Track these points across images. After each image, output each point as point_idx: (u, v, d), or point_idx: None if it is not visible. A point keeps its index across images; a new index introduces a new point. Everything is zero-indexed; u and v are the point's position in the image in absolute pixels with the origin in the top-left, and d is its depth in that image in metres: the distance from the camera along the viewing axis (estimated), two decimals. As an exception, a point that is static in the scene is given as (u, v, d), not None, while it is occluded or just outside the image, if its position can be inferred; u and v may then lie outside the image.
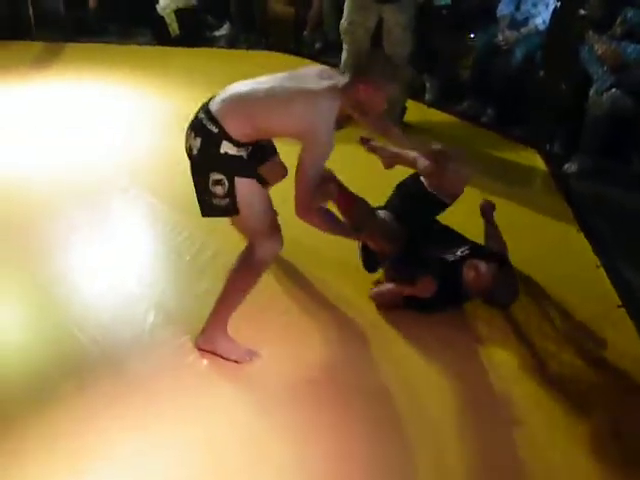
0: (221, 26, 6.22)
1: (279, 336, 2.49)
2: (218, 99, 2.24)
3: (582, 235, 3.24)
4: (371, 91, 2.21)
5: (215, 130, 2.18)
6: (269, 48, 5.79)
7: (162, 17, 5.84)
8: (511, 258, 2.80)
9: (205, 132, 2.20)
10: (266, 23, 5.87)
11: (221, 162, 2.20)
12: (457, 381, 2.33)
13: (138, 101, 4.62)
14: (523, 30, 4.42)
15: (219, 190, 2.21)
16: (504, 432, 2.14)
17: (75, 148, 3.90)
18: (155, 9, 5.85)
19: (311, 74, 2.30)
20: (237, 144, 2.18)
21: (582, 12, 3.82)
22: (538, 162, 4.04)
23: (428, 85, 4.92)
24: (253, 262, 2.29)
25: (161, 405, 2.15)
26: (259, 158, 2.33)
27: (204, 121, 2.20)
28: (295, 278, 2.83)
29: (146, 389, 2.20)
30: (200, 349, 2.37)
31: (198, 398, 2.19)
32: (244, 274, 2.31)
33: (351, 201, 2.67)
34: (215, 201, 2.24)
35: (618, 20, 3.86)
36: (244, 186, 2.22)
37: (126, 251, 2.98)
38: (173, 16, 5.83)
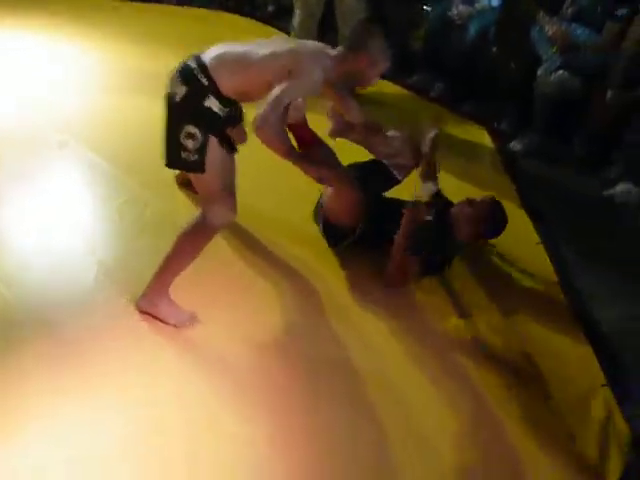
0: (172, -18, 6.02)
1: (228, 301, 2.46)
2: (212, 54, 2.22)
3: (524, 212, 3.30)
4: (369, 64, 2.32)
5: (205, 82, 2.16)
6: (220, 8, 5.66)
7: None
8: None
9: (194, 82, 2.17)
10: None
11: (201, 116, 2.18)
12: (420, 347, 2.37)
13: (80, 56, 4.44)
14: (477, 6, 4.43)
15: (190, 144, 2.18)
16: (473, 398, 2.19)
17: (12, 100, 3.73)
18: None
19: (309, 44, 2.39)
20: (222, 102, 2.18)
21: (534, -9, 3.84)
22: (485, 139, 4.08)
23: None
24: (204, 226, 2.26)
25: (97, 367, 2.10)
26: (230, 122, 2.30)
27: (195, 71, 2.17)
28: (250, 245, 2.79)
29: (82, 350, 2.15)
30: (141, 311, 2.32)
31: (137, 360, 2.15)
32: (193, 237, 2.27)
33: (315, 139, 2.69)
34: (183, 154, 2.20)
35: (568, 1, 3.91)
36: (215, 146, 2.21)
37: (64, 207, 2.87)
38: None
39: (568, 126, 3.84)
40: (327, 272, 2.69)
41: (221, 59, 2.21)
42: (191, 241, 2.27)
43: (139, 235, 2.73)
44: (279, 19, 5.31)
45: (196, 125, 2.17)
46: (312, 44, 2.41)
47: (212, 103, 2.17)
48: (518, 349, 2.43)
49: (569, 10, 3.93)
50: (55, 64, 4.27)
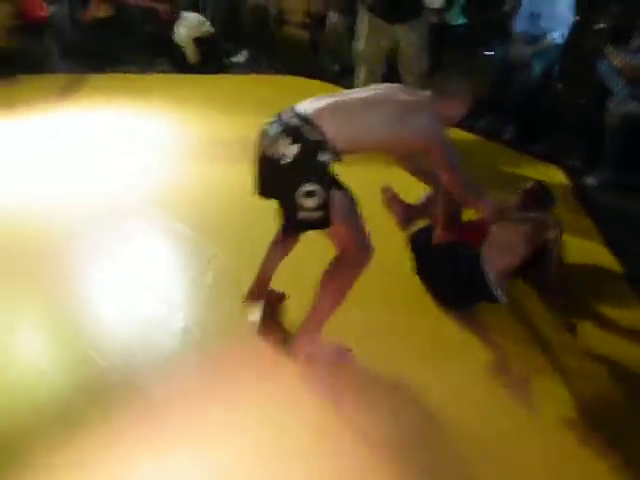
0: (239, 52, 6.31)
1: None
2: (314, 106, 2.17)
3: (606, 249, 3.20)
4: (459, 106, 2.36)
5: (317, 137, 2.09)
6: (287, 72, 5.85)
7: (180, 46, 5.94)
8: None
9: (304, 139, 2.08)
10: (282, 47, 5.94)
11: (319, 171, 2.11)
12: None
13: (160, 128, 4.68)
14: (540, 45, 4.42)
15: (310, 202, 2.10)
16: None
17: (99, 175, 3.94)
18: (172, 38, 5.95)
19: (396, 88, 2.35)
20: (335, 154, 2.12)
21: (600, 26, 3.81)
22: (560, 177, 4.00)
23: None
24: (348, 268, 2.24)
25: (184, 430, 2.14)
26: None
27: (302, 128, 2.10)
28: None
29: (168, 413, 2.19)
30: (297, 354, 2.34)
31: (222, 422, 2.18)
32: (339, 281, 2.25)
33: None
34: (302, 214, 2.12)
35: (636, 33, 3.85)
36: (340, 197, 2.16)
37: (148, 275, 2.99)
38: (192, 45, 5.92)
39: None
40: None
41: (326, 110, 2.15)
42: (338, 286, 2.25)
43: (220, 299, 2.79)
44: (345, 78, 5.43)
45: (315, 182, 2.09)
46: (404, 91, 2.33)
47: (326, 157, 2.10)
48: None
49: (637, 41, 3.87)
50: (141, 140, 4.49)
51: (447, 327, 2.63)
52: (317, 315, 2.31)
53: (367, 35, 4.13)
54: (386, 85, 2.41)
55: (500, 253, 2.63)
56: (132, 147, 4.37)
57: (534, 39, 4.48)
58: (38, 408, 2.21)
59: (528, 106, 4.39)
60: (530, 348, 2.53)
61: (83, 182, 3.84)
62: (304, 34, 5.75)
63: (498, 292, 2.61)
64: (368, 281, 2.35)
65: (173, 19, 6.05)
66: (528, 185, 3.00)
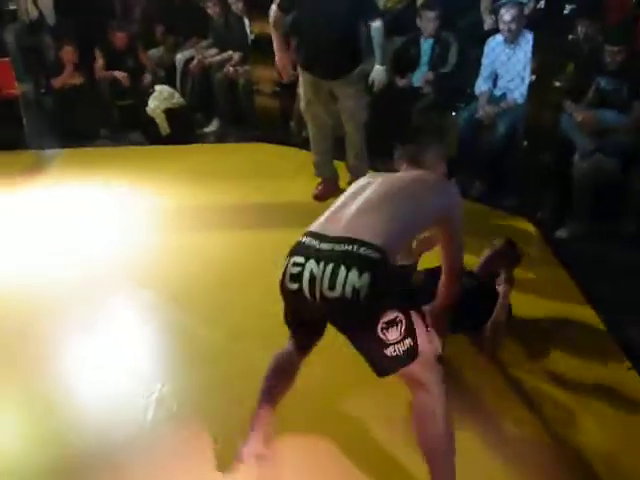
0: (210, 122, 6.40)
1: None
2: (343, 222, 1.88)
3: (582, 298, 3.22)
4: (441, 168, 2.33)
5: (377, 256, 1.77)
6: (257, 140, 5.93)
7: (152, 117, 6.02)
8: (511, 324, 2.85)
9: (369, 263, 1.75)
10: (253, 117, 6.04)
11: (395, 295, 1.81)
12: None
13: (132, 200, 4.68)
14: (502, 104, 4.56)
15: (394, 334, 1.75)
16: None
17: (71, 248, 3.92)
18: (145, 111, 6.03)
19: (417, 174, 2.20)
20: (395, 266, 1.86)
21: (557, 84, 3.94)
22: (531, 230, 4.06)
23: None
24: (434, 404, 1.84)
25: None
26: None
27: (360, 250, 1.76)
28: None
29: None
30: None
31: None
32: (436, 424, 1.83)
33: None
34: (389, 350, 1.75)
35: (592, 88, 3.99)
36: (418, 317, 1.86)
37: (121, 350, 2.93)
38: (163, 116, 6.00)
39: (612, 206, 3.82)
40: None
41: (367, 217, 1.88)
42: (436, 428, 1.83)
43: (197, 369, 2.74)
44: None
45: (394, 307, 1.78)
46: (419, 175, 2.19)
47: (392, 273, 1.82)
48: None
49: (594, 96, 4.01)
50: (113, 212, 4.49)
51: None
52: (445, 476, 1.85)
53: (309, 93, 4.28)
54: (376, 177, 2.18)
55: None
56: (105, 220, 4.36)
57: (496, 99, 4.63)
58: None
59: (495, 164, 4.49)
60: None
61: (56, 257, 3.82)
62: (274, 102, 5.86)
63: None
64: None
65: (137, 88, 6.12)
66: (498, 244, 3.06)
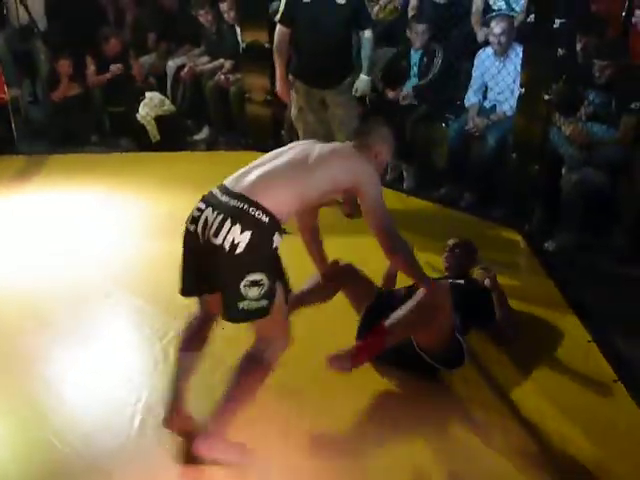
0: (200, 130, 6.39)
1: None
2: (247, 181, 2.09)
3: (570, 310, 3.24)
4: (381, 146, 2.48)
5: (266, 219, 1.99)
6: (248, 148, 5.92)
7: (142, 124, 6.00)
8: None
9: (255, 223, 1.98)
10: (244, 124, 6.04)
11: (268, 260, 2.03)
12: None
13: (122, 207, 4.66)
14: (492, 117, 4.59)
15: (253, 292, 1.99)
16: None
17: (60, 256, 3.88)
18: (135, 118, 6.02)
19: (338, 145, 2.50)
20: (281, 232, 2.04)
21: (546, 97, 3.97)
22: (519, 241, 4.08)
23: (406, 174, 5.04)
24: (263, 361, 2.15)
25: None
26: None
27: (250, 210, 1.99)
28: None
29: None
30: (200, 454, 2.17)
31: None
32: (253, 374, 2.14)
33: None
34: (242, 304, 2.00)
35: (585, 103, 4.03)
36: (280, 287, 2.10)
37: (111, 356, 2.92)
38: (153, 123, 5.99)
39: (601, 219, 3.84)
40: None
41: (266, 182, 2.07)
42: (250, 377, 2.14)
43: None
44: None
45: (262, 271, 1.99)
46: (340, 145, 2.51)
47: (277, 241, 2.03)
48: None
49: (584, 110, 4.04)
50: (102, 219, 4.47)
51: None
52: (224, 415, 2.17)
53: (300, 101, 4.30)
54: (301, 142, 2.49)
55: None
56: (94, 225, 4.34)
57: (485, 111, 4.66)
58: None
59: (485, 175, 4.52)
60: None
61: (45, 262, 3.79)
62: (265, 111, 5.86)
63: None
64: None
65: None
66: (451, 241, 3.21)
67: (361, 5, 4.15)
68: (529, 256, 3.92)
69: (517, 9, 4.91)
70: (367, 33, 4.19)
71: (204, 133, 6.35)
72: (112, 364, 2.85)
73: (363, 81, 4.32)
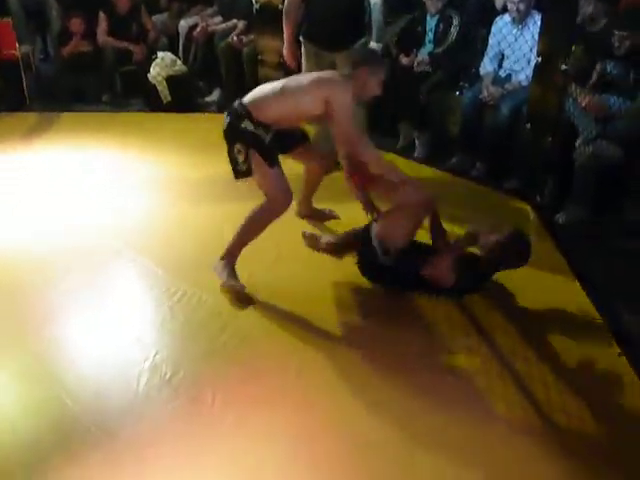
0: (212, 92, 6.35)
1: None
2: (250, 94, 2.98)
3: (577, 284, 3.23)
4: (369, 74, 2.99)
5: (241, 111, 2.91)
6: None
7: (154, 85, 5.96)
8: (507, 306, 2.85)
9: (234, 112, 2.94)
10: (255, 87, 5.99)
11: (242, 135, 2.90)
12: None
13: (132, 167, 4.67)
14: (507, 86, 4.52)
15: (240, 157, 2.92)
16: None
17: (69, 213, 3.92)
18: (147, 77, 5.98)
19: (328, 73, 3.18)
20: (256, 125, 2.88)
21: (564, 67, 3.90)
22: (530, 214, 4.06)
23: (418, 142, 5.00)
24: (265, 210, 2.96)
25: (155, 473, 2.09)
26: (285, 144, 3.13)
27: (236, 106, 2.94)
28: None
29: (139, 456, 2.14)
30: (215, 271, 3.04)
31: (194, 464, 2.12)
32: (260, 214, 2.96)
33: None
34: (238, 166, 2.95)
35: (596, 70, 3.96)
36: (257, 155, 2.90)
37: (120, 314, 2.95)
38: (165, 83, 5.95)
39: (613, 193, 3.81)
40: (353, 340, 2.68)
41: (256, 95, 2.95)
42: (256, 221, 2.97)
43: (192, 338, 2.77)
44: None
45: (241, 142, 2.90)
46: (330, 72, 3.21)
47: (247, 124, 2.88)
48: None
49: (599, 80, 3.97)
50: (113, 178, 4.48)
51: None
52: (237, 241, 3.01)
53: (311, 62, 4.27)
54: (324, 72, 3.24)
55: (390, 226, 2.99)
56: (105, 186, 4.34)
57: (500, 80, 4.59)
58: (3, 452, 2.15)
59: (497, 145, 4.47)
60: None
61: (56, 221, 3.82)
62: (279, 74, 5.80)
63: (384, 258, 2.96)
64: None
65: (146, 60, 6.10)
66: (505, 232, 3.01)
67: None
68: (539, 228, 3.90)
69: (537, -24, 4.81)
70: None
71: (215, 95, 6.31)
72: (121, 324, 2.87)
73: (374, 48, 4.27)
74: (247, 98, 2.96)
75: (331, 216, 3.68)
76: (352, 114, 2.94)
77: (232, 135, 2.94)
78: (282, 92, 2.94)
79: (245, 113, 2.89)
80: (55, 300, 3.03)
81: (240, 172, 2.96)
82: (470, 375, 2.58)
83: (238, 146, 2.90)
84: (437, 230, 3.16)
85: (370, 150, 3.03)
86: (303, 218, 3.69)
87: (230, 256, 3.03)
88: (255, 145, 2.90)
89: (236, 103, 2.97)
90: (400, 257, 2.94)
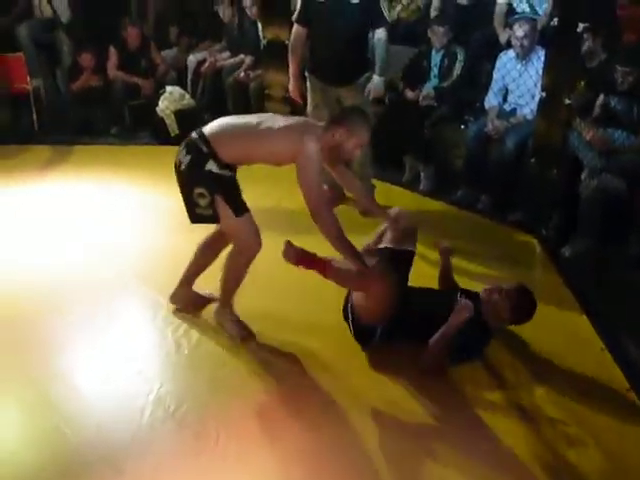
0: (220, 125, 6.41)
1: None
2: (213, 126, 2.70)
3: (584, 317, 3.22)
4: (345, 135, 2.65)
5: (205, 150, 2.62)
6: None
7: (162, 118, 6.03)
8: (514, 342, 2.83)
9: (196, 150, 2.65)
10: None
11: (205, 178, 2.64)
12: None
13: (140, 200, 4.69)
14: (512, 120, 4.56)
15: (202, 202, 2.66)
16: None
17: (79, 247, 3.92)
18: (155, 111, 6.05)
19: (300, 120, 2.83)
20: (221, 165, 2.63)
21: (567, 101, 3.94)
22: (535, 247, 4.05)
23: (423, 175, 5.02)
24: (239, 258, 2.77)
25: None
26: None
27: (197, 141, 2.65)
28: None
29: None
30: (215, 319, 2.96)
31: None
32: (235, 267, 2.79)
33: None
34: (199, 210, 2.71)
35: (598, 104, 4.00)
36: (222, 202, 2.66)
37: (124, 346, 2.94)
38: (173, 117, 6.02)
39: (618, 226, 3.81)
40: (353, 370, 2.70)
41: (219, 129, 2.69)
42: (235, 269, 2.79)
43: (196, 368, 2.76)
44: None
45: (203, 186, 2.64)
46: (303, 120, 2.87)
47: (212, 166, 2.62)
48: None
49: (602, 114, 4.01)
50: (121, 211, 4.50)
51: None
52: (224, 292, 2.86)
53: (316, 98, 4.32)
54: (297, 117, 2.93)
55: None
56: (111, 218, 4.37)
57: (505, 114, 4.63)
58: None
59: (502, 179, 4.49)
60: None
61: (63, 253, 3.82)
62: (285, 108, 5.87)
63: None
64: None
65: (154, 95, 6.18)
66: (508, 287, 2.84)
67: (373, 4, 4.12)
68: (545, 261, 3.89)
69: (540, 12, 4.88)
70: (379, 33, 4.20)
71: (223, 128, 6.37)
72: (124, 355, 2.87)
73: (376, 82, 4.32)
74: (208, 130, 2.68)
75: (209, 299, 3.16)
76: (318, 170, 2.62)
77: (192, 177, 2.66)
78: (254, 132, 2.66)
79: (209, 151, 2.62)
80: (59, 331, 3.03)
81: (203, 217, 2.72)
82: (478, 407, 2.56)
83: (200, 190, 2.64)
84: (445, 281, 3.13)
85: (329, 218, 2.63)
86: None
87: (226, 305, 2.91)
88: (221, 191, 2.64)
89: (194, 135, 2.68)
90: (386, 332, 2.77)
